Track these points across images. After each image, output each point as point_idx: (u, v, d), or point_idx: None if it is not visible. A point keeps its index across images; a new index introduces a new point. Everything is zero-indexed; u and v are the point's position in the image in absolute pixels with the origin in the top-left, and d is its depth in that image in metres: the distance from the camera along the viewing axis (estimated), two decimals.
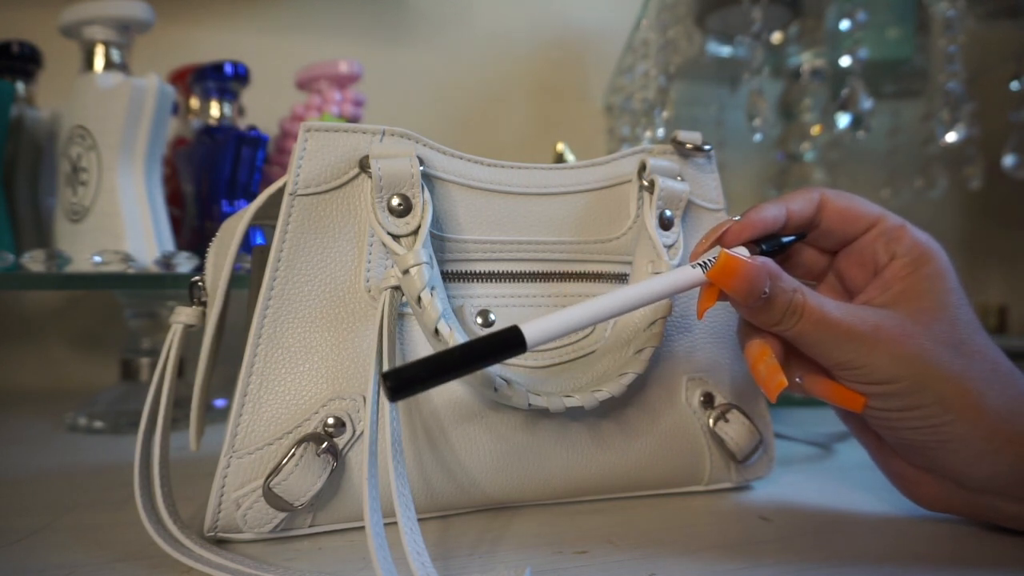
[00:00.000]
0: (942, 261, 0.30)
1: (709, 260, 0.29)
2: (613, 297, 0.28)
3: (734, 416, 0.36)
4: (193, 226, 0.61)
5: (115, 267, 0.51)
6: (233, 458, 0.29)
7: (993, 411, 0.28)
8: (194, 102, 0.67)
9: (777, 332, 0.30)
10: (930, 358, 0.28)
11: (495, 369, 0.31)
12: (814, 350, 0.29)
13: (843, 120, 0.64)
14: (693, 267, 0.29)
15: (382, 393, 0.28)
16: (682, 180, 0.37)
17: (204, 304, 0.32)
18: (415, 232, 0.31)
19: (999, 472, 0.28)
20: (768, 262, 0.29)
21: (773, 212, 0.31)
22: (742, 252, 0.30)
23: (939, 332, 0.28)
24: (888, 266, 0.30)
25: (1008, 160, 0.65)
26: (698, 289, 0.32)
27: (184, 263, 0.52)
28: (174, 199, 0.63)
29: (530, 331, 0.26)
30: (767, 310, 0.29)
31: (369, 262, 0.32)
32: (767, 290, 0.29)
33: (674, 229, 0.36)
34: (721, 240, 0.31)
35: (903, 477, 0.32)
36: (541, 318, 0.27)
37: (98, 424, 0.53)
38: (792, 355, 0.31)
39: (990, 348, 0.29)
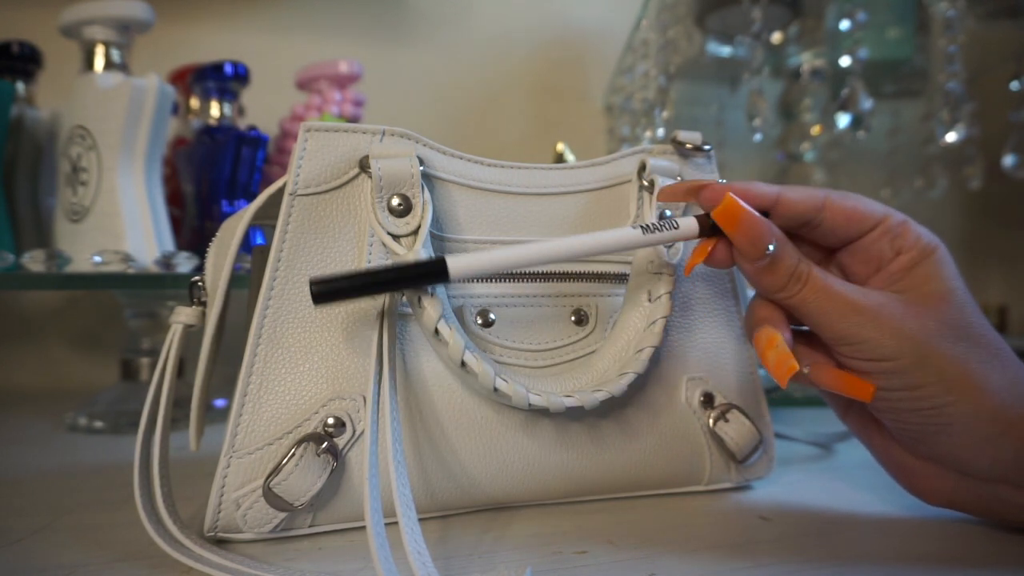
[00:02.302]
0: (944, 251, 0.31)
1: (652, 223, 0.30)
2: (544, 245, 0.29)
3: (734, 416, 0.36)
4: (193, 226, 0.61)
5: (115, 267, 0.51)
6: (233, 458, 0.29)
7: (996, 394, 0.28)
8: (194, 102, 0.67)
9: (782, 299, 0.30)
10: (932, 337, 0.28)
11: (495, 369, 0.31)
12: (818, 319, 0.30)
13: (843, 120, 0.64)
14: (634, 227, 0.30)
15: (382, 393, 0.28)
16: (682, 180, 0.37)
17: (204, 304, 0.32)
18: (415, 232, 0.31)
19: (1003, 457, 0.28)
20: (772, 224, 0.30)
21: (764, 189, 0.31)
22: (691, 223, 0.31)
23: (944, 314, 0.29)
24: (893, 261, 0.31)
25: (1008, 160, 0.65)
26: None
27: (184, 263, 0.52)
28: (174, 199, 0.63)
29: (454, 263, 0.28)
30: (772, 271, 0.30)
31: (369, 262, 0.32)
32: (772, 247, 0.29)
33: None
34: (700, 191, 0.31)
35: (906, 470, 0.32)
36: (469, 253, 0.28)
37: (98, 424, 0.53)
38: (799, 345, 0.31)
39: (992, 334, 0.29)
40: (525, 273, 0.35)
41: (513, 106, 0.94)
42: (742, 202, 0.30)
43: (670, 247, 0.36)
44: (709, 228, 0.31)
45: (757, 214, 0.30)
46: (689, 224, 0.31)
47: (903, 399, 0.29)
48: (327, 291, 0.26)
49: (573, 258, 0.30)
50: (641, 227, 0.30)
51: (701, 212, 0.39)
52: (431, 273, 0.28)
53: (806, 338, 0.32)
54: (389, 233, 0.31)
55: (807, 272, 0.30)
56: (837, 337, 0.29)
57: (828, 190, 0.32)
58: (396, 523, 0.25)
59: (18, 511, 0.34)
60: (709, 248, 0.31)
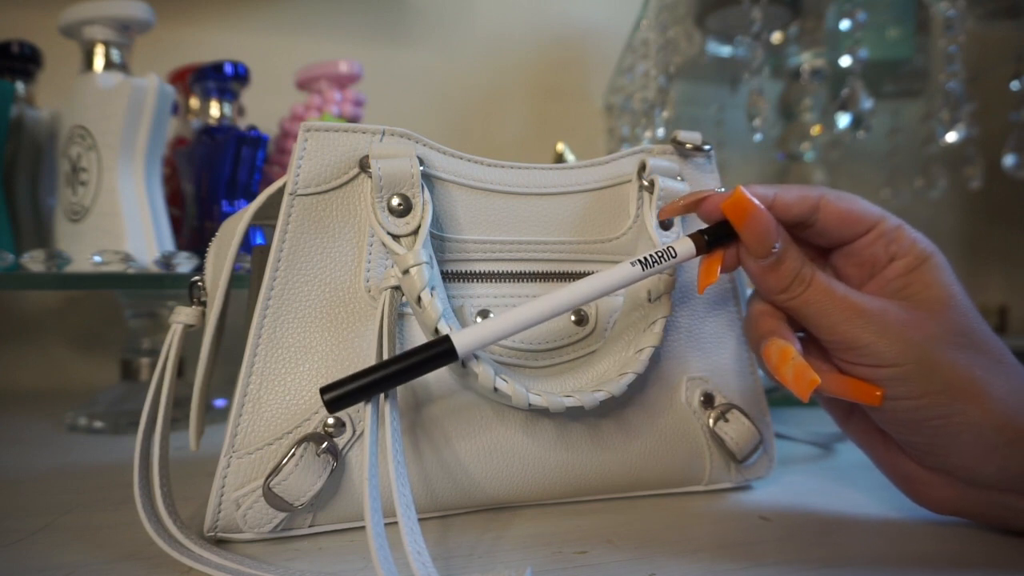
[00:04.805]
0: (940, 257, 0.30)
1: (648, 257, 0.30)
2: (548, 299, 0.29)
3: (734, 416, 0.36)
4: (193, 226, 0.61)
5: (115, 267, 0.51)
6: (233, 458, 0.29)
7: (1001, 401, 0.28)
8: (194, 102, 0.67)
9: (784, 300, 0.30)
10: (937, 345, 0.28)
11: (495, 369, 0.31)
12: (820, 322, 0.29)
13: (843, 120, 0.64)
14: (632, 264, 0.30)
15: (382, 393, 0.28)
16: (682, 180, 0.37)
17: (204, 304, 0.32)
18: (415, 232, 0.31)
19: (1010, 466, 0.28)
20: (778, 224, 0.30)
21: (760, 191, 0.31)
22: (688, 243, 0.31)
23: (947, 321, 0.29)
24: (888, 267, 0.30)
25: (1008, 160, 0.65)
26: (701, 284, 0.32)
27: (184, 263, 0.52)
28: (174, 199, 0.63)
29: (461, 340, 0.27)
30: (776, 270, 0.30)
31: (369, 262, 0.32)
32: (778, 246, 0.29)
33: (674, 229, 0.36)
34: (700, 204, 0.31)
35: (910, 479, 0.31)
36: (472, 326, 0.28)
37: (98, 424, 0.53)
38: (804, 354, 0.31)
39: (995, 340, 0.29)
40: (525, 273, 0.35)
41: (513, 106, 0.94)
42: (752, 197, 0.29)
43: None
44: (705, 244, 0.31)
45: (766, 210, 0.29)
46: (685, 246, 0.31)
47: (908, 409, 0.28)
48: (339, 397, 0.26)
49: (577, 306, 0.30)
50: (640, 262, 0.30)
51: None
52: (438, 356, 0.27)
53: (803, 345, 0.32)
54: (389, 233, 0.31)
55: (811, 274, 0.30)
56: (839, 341, 0.29)
57: (824, 189, 0.31)
58: (396, 523, 0.25)
59: (18, 511, 0.34)
60: (718, 264, 0.31)
